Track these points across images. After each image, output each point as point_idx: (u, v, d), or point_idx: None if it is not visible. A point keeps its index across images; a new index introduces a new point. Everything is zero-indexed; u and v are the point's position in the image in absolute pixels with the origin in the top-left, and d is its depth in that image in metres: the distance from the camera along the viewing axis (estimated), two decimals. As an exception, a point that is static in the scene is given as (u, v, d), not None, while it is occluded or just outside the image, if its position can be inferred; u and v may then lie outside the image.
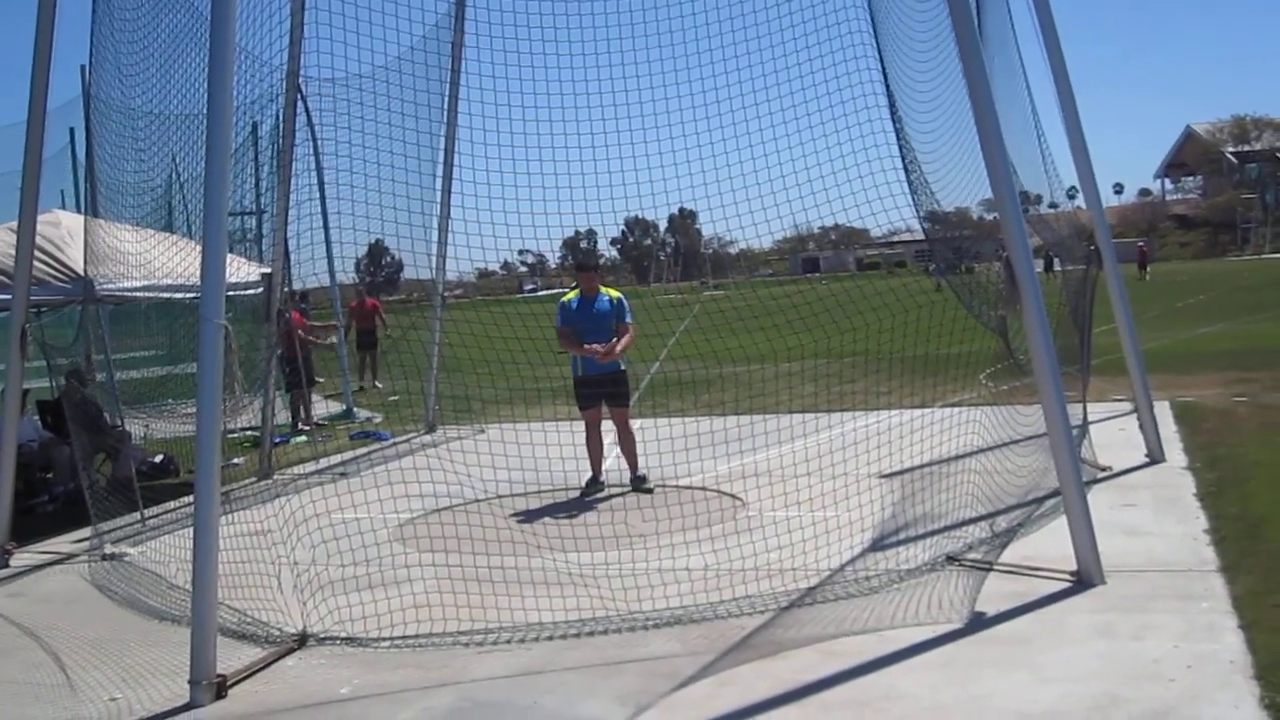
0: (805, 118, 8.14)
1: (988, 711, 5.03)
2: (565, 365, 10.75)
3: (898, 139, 7.37)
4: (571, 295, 10.49)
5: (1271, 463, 9.58)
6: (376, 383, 22.02)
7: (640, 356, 11.28)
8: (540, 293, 29.77)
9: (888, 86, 7.47)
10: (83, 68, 17.31)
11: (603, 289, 10.44)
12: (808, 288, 8.91)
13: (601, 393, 10.28)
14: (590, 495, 10.35)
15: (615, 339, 10.26)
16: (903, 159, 7.34)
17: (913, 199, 7.42)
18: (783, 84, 8.40)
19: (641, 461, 10.34)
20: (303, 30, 10.99)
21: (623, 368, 10.41)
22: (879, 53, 7.53)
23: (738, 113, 8.74)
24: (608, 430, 10.56)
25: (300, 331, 16.33)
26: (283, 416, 15.67)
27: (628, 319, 10.39)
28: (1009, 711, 5.00)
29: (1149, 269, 57.88)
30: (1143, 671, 5.32)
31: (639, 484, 10.39)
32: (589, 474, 10.54)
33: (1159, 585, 6.59)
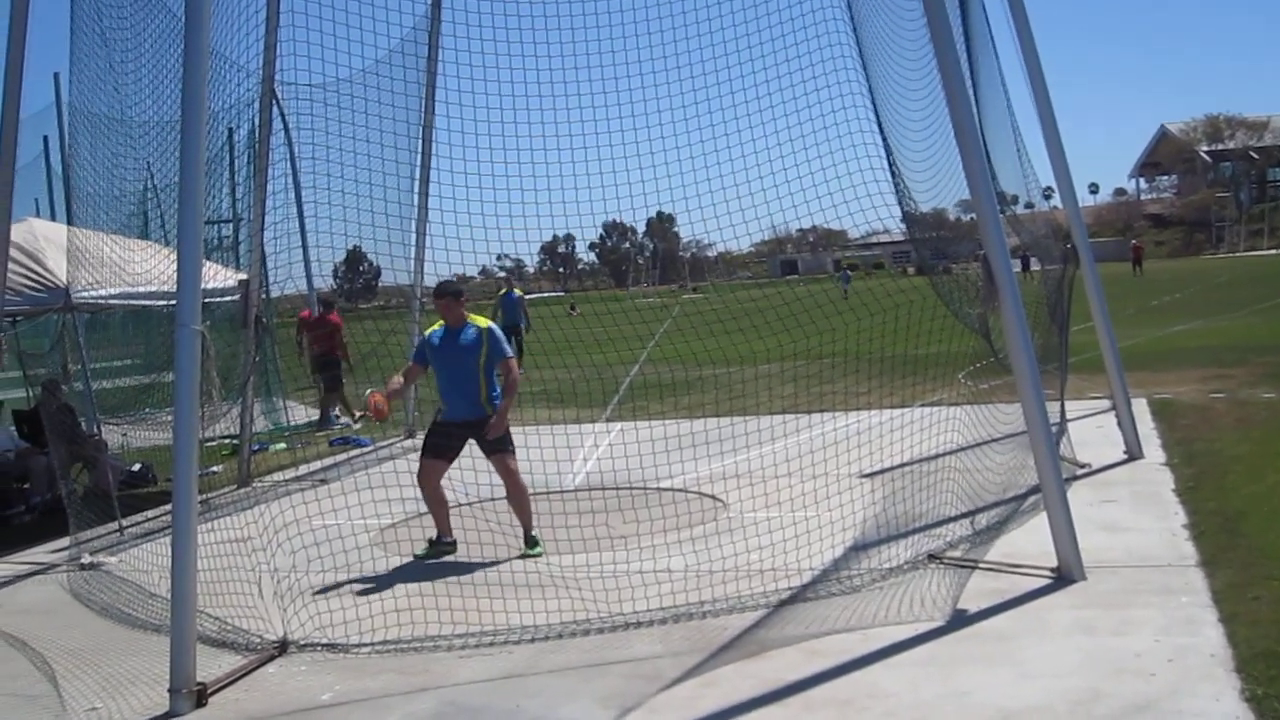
0: (783, 119, 8.17)
1: (970, 708, 5.04)
2: (546, 369, 10.56)
3: (882, 140, 7.37)
4: (435, 327, 8.79)
5: (1248, 457, 9.64)
6: (341, 417, 17.54)
7: (620, 359, 11.20)
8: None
9: (870, 88, 7.47)
10: (56, 75, 17.27)
11: (470, 318, 8.66)
12: (786, 289, 8.90)
13: (460, 442, 8.55)
14: (433, 557, 8.52)
15: (496, 409, 8.50)
16: (888, 159, 7.35)
17: (897, 199, 7.43)
18: (760, 86, 8.43)
19: (623, 464, 9.76)
20: (278, 34, 10.95)
21: (489, 413, 8.53)
22: (859, 54, 7.54)
23: (715, 115, 8.77)
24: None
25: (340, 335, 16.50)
26: (261, 424, 15.60)
27: (507, 354, 8.64)
28: (991, 708, 5.01)
29: (1143, 265, 58.36)
30: (1124, 666, 5.34)
31: (530, 544, 8.53)
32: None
33: (1139, 580, 6.62)
